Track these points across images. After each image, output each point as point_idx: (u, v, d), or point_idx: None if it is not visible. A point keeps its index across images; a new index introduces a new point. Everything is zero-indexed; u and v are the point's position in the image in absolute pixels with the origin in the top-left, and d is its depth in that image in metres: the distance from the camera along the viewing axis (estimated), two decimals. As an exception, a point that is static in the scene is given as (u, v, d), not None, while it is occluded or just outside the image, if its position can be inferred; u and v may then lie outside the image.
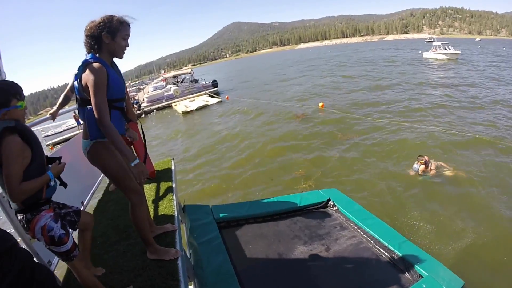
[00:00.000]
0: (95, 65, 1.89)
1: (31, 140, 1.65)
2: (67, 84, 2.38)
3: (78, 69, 1.96)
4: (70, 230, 1.89)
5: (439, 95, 15.77)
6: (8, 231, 1.83)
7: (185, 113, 22.07)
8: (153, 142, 15.51)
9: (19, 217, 1.68)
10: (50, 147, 20.07)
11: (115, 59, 2.16)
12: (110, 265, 2.30)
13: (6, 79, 1.74)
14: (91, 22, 1.96)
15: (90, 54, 1.98)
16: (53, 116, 2.75)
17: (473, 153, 8.27)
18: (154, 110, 26.37)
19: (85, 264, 1.98)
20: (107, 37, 1.96)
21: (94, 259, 2.37)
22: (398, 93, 17.23)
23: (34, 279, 1.34)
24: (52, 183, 1.73)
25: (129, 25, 2.07)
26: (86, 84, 1.88)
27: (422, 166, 7.48)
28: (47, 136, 21.02)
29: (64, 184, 1.92)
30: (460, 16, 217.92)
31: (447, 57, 33.07)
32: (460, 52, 33.50)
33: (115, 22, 1.97)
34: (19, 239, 1.90)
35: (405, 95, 16.59)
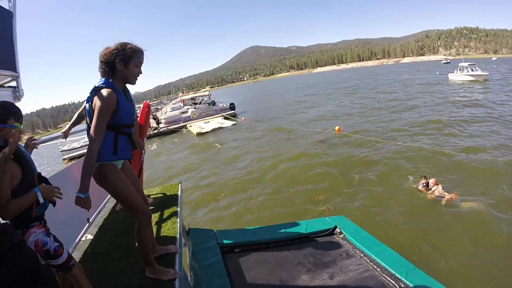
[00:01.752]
0: (106, 90, 1.96)
1: (22, 159, 1.72)
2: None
3: (90, 93, 2.04)
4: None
5: (473, 119, 15.16)
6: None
7: (200, 134, 22.37)
8: (162, 158, 15.76)
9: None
10: (66, 161, 20.55)
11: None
12: (109, 282, 2.33)
13: (9, 101, 1.83)
14: (106, 49, 2.04)
15: (103, 79, 2.06)
16: (65, 135, 2.85)
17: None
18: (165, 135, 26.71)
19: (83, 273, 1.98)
20: (120, 64, 2.02)
21: (94, 274, 2.40)
22: (423, 116, 16.87)
23: (39, 277, 1.35)
24: (41, 200, 1.73)
25: (142, 53, 2.13)
26: (94, 106, 1.95)
27: (421, 186, 7.78)
28: (64, 150, 21.61)
29: (53, 202, 1.90)
30: (475, 35, 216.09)
31: (474, 79, 31.54)
32: (488, 73, 31.97)
33: (128, 50, 2.04)
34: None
35: (432, 117, 16.17)
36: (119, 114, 2.03)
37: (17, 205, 1.62)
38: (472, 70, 32.58)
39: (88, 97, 2.05)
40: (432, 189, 7.55)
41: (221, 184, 10.86)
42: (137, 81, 2.18)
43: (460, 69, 34.38)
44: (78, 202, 1.91)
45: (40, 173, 1.90)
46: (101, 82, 2.03)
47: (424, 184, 7.75)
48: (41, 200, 1.72)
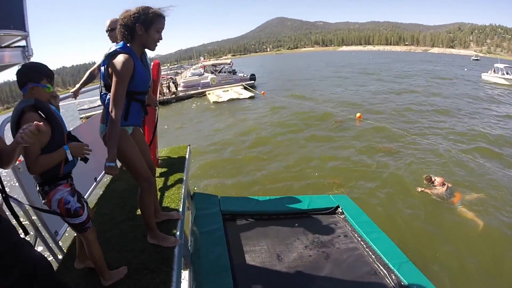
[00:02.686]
0: (124, 56, 1.91)
1: (51, 118, 1.73)
2: None
3: (107, 56, 1.99)
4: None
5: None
6: (18, 197, 1.97)
7: (216, 102, 22.33)
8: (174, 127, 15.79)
9: (37, 188, 1.79)
10: (83, 120, 20.92)
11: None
12: (112, 243, 2.41)
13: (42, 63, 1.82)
14: (126, 12, 1.99)
15: (121, 43, 2.01)
16: (75, 94, 2.87)
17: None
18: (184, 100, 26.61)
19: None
20: (140, 29, 1.97)
21: (98, 236, 2.46)
22: (449, 115, 15.71)
23: (36, 274, 1.38)
24: (70, 157, 1.77)
25: (164, 18, 2.06)
26: (111, 73, 1.92)
27: (425, 182, 7.72)
28: (82, 109, 21.85)
29: (85, 159, 1.96)
30: (510, 36, 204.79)
31: (509, 83, 28.21)
32: None
33: (150, 14, 1.97)
34: (27, 206, 2.02)
35: (456, 117, 15.26)
36: (134, 81, 2.00)
37: (45, 161, 1.67)
38: (508, 74, 29.57)
39: (104, 61, 2.02)
40: (437, 187, 7.43)
41: (236, 153, 11.00)
42: (157, 47, 2.12)
43: (495, 70, 31.47)
44: (109, 170, 1.95)
45: (70, 131, 1.94)
46: (119, 46, 1.99)
47: (433, 178, 7.65)
48: (70, 157, 1.76)
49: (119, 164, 2.06)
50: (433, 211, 6.76)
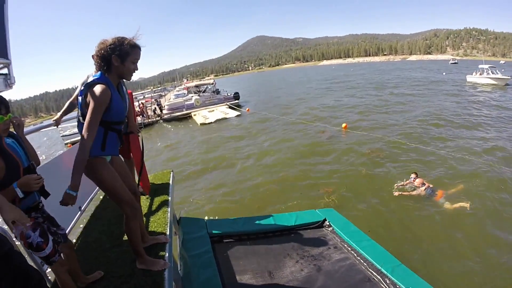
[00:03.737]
0: (101, 86, 1.93)
1: (4, 154, 1.70)
2: None
3: (85, 86, 2.00)
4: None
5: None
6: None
7: (203, 124, 22.21)
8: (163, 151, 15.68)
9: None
10: (68, 145, 20.66)
11: None
12: (100, 270, 2.37)
13: None
14: (102, 43, 2.01)
15: (99, 73, 2.03)
16: (57, 123, 2.88)
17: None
18: (168, 126, 26.16)
19: (68, 268, 2.04)
20: (116, 60, 2.00)
21: (85, 263, 2.46)
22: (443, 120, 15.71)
23: (29, 284, 1.37)
24: (20, 194, 1.71)
25: (139, 49, 2.10)
26: (89, 102, 1.93)
27: (406, 182, 8.00)
28: (65, 135, 21.58)
29: (44, 194, 1.91)
30: (484, 37, 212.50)
31: (495, 82, 29.10)
32: (510, 77, 29.11)
33: (125, 46, 2.01)
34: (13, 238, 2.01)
35: (450, 119, 15.43)
36: (111, 111, 2.02)
37: None
38: (493, 73, 30.17)
39: (82, 90, 2.03)
40: (418, 188, 7.61)
41: (229, 173, 10.92)
42: (133, 75, 2.17)
43: (480, 72, 31.92)
44: (65, 197, 1.87)
45: (30, 164, 1.89)
46: (96, 77, 2.01)
47: (412, 180, 7.86)
48: (20, 194, 1.71)
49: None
50: (419, 211, 6.94)
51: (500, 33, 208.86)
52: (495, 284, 4.77)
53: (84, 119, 2.00)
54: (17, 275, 1.35)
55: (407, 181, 8.01)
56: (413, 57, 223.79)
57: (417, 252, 5.56)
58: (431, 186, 7.60)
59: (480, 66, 32.22)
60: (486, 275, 4.96)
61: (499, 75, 29.47)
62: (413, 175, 7.97)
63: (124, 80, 2.22)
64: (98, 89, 1.92)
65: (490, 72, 30.40)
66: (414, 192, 7.52)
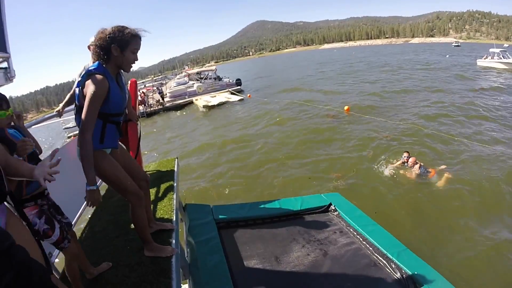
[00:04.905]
0: (98, 77, 1.88)
1: (8, 142, 1.70)
2: None
3: (81, 77, 1.95)
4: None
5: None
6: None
7: (206, 107, 22.19)
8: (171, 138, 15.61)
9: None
10: (72, 137, 20.74)
11: None
12: (107, 260, 2.37)
13: None
14: (102, 32, 1.94)
15: (96, 63, 1.97)
16: (60, 114, 2.86)
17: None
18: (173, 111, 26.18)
19: (77, 257, 2.06)
20: (116, 50, 1.93)
21: (93, 253, 2.46)
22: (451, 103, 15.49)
23: (31, 279, 1.39)
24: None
25: (140, 39, 2.03)
26: (86, 94, 1.87)
27: (400, 161, 8.07)
28: (68, 128, 21.56)
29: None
30: (488, 20, 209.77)
31: (507, 67, 27.52)
32: None
33: (126, 35, 1.93)
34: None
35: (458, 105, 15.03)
36: (109, 103, 1.95)
37: None
38: (504, 57, 28.61)
39: (79, 81, 1.97)
40: (412, 168, 7.70)
41: (237, 154, 10.98)
42: (133, 65, 2.10)
43: (491, 56, 30.44)
44: (89, 194, 1.88)
45: (34, 151, 1.88)
46: (94, 67, 1.94)
47: (404, 160, 7.92)
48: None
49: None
50: (416, 191, 7.06)
51: (504, 16, 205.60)
52: (496, 264, 4.83)
53: (81, 111, 1.94)
54: (20, 270, 1.33)
55: (400, 161, 8.08)
56: (416, 40, 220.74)
57: (419, 234, 5.60)
58: (422, 164, 7.68)
59: (491, 50, 31.11)
60: (487, 255, 5.01)
61: (511, 60, 27.92)
62: (405, 154, 8.03)
63: (123, 72, 2.15)
64: (95, 79, 1.87)
65: (501, 56, 29.12)
66: (408, 172, 7.64)
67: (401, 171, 7.79)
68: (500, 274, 4.69)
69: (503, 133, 10.48)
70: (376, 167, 8.50)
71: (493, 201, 6.49)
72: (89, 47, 3.11)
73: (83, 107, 1.90)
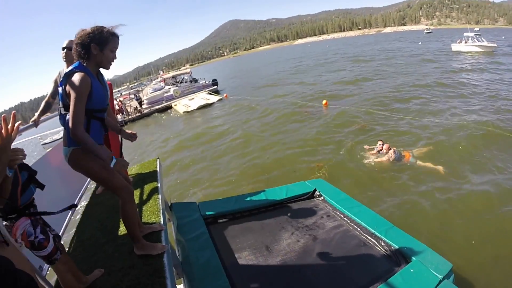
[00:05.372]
0: (80, 74, 1.93)
1: None
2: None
3: (64, 76, 2.00)
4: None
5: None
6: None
7: (186, 112, 21.96)
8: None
9: (3, 223, 1.70)
10: None
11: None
12: (99, 267, 2.34)
13: None
14: (82, 31, 2.01)
15: (77, 63, 2.03)
16: (36, 123, 2.82)
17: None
18: (155, 113, 25.92)
19: (69, 268, 2.03)
20: (95, 48, 2.01)
21: (84, 262, 2.43)
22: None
23: (17, 286, 1.38)
24: (9, 174, 1.61)
25: (118, 38, 2.11)
26: (69, 92, 1.92)
27: (375, 149, 8.28)
28: (46, 143, 21.00)
29: (40, 186, 1.95)
30: (457, 6, 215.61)
31: (481, 50, 28.24)
32: (496, 45, 28.47)
33: (104, 34, 2.02)
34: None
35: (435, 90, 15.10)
36: (92, 99, 2.01)
37: None
38: (478, 41, 29.40)
39: (61, 81, 2.02)
40: (386, 155, 7.89)
41: (220, 156, 10.95)
42: (111, 66, 2.16)
43: (465, 40, 31.04)
44: (118, 164, 2.05)
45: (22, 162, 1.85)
46: (75, 66, 2.01)
47: (379, 148, 8.13)
48: (8, 172, 1.61)
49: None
50: (394, 175, 7.26)
51: (473, 1, 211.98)
52: (476, 233, 5.01)
53: (66, 110, 2.02)
54: (4, 279, 1.32)
55: (375, 149, 8.27)
56: (388, 29, 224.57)
57: (405, 215, 5.73)
58: (395, 149, 7.88)
59: (465, 34, 31.53)
60: (467, 226, 5.22)
61: (485, 43, 28.80)
62: (379, 142, 8.22)
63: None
64: (77, 77, 1.92)
65: (475, 39, 29.67)
66: (385, 158, 7.82)
67: (378, 159, 7.97)
68: (472, 225, 5.08)
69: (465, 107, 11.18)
70: (356, 156, 8.66)
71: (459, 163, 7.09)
72: (63, 49, 3.09)
73: (67, 105, 1.96)
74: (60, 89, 2.03)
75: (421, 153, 7.92)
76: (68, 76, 1.96)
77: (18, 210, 1.76)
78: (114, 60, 2.15)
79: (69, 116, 1.92)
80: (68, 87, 1.93)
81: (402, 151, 8.00)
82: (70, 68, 2.00)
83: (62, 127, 2.16)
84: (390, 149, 7.85)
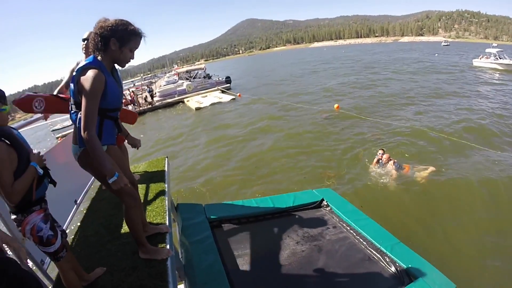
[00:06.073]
0: (94, 71, 1.80)
1: (15, 143, 1.68)
2: None
3: (76, 71, 1.87)
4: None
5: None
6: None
7: (198, 109, 22.01)
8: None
9: (12, 217, 1.73)
10: (59, 139, 20.44)
11: None
12: (101, 265, 2.32)
13: None
14: (104, 21, 1.87)
15: (91, 57, 1.90)
16: (45, 116, 2.80)
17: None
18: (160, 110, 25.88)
19: (73, 267, 2.01)
20: (114, 44, 1.88)
21: (86, 259, 2.41)
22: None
23: None
24: (40, 171, 1.74)
25: (141, 38, 1.99)
26: (82, 90, 1.80)
27: (376, 158, 8.17)
28: (56, 129, 21.25)
29: (53, 182, 1.92)
30: (477, 20, 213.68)
31: (502, 68, 26.95)
32: None
33: (128, 31, 1.89)
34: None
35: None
36: (106, 98, 1.89)
37: (21, 185, 1.63)
38: (501, 58, 27.92)
39: (73, 77, 1.88)
40: (386, 165, 7.84)
41: (233, 156, 10.92)
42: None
43: (487, 55, 29.69)
44: (114, 185, 1.87)
45: (31, 149, 1.86)
46: (88, 61, 1.88)
47: (379, 158, 8.05)
48: (40, 171, 1.73)
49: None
50: (397, 187, 7.23)
51: (493, 16, 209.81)
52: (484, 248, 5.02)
53: (77, 108, 1.90)
54: (12, 281, 1.31)
55: (375, 159, 8.20)
56: (405, 39, 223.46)
57: (408, 228, 5.71)
58: (395, 160, 7.84)
59: (487, 50, 30.34)
60: (474, 240, 5.23)
61: (508, 60, 27.34)
62: (380, 151, 8.17)
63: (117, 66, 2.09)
64: (91, 74, 1.79)
65: (498, 56, 28.48)
66: (386, 169, 7.79)
67: (378, 169, 7.93)
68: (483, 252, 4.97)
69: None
70: (361, 166, 8.63)
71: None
72: (83, 40, 3.05)
73: (78, 103, 1.85)
74: (72, 85, 1.90)
75: (422, 168, 7.82)
76: (81, 72, 1.84)
77: (32, 204, 1.76)
78: (131, 59, 2.02)
79: (80, 115, 1.82)
80: (81, 85, 1.81)
81: (402, 164, 7.93)
82: (84, 63, 1.89)
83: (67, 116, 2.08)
84: (390, 159, 7.82)
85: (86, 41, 3.02)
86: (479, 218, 5.84)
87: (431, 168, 7.47)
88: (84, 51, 3.07)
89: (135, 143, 2.64)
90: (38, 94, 2.67)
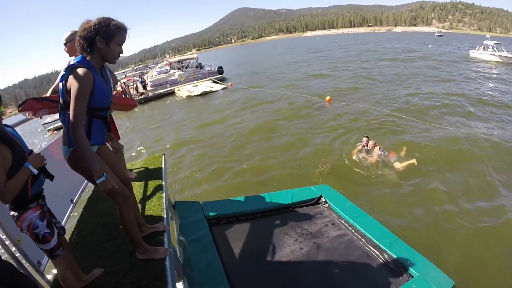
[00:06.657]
0: (82, 70, 1.80)
1: (9, 141, 1.64)
2: None
3: (65, 71, 1.87)
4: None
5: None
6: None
7: (189, 97, 21.95)
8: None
9: (11, 213, 1.72)
10: (51, 132, 20.23)
11: None
12: (99, 266, 2.29)
13: None
14: (86, 23, 1.87)
15: (80, 56, 1.90)
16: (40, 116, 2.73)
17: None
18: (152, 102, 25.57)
19: (70, 265, 1.98)
20: (100, 42, 1.87)
21: (83, 259, 2.37)
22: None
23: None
24: (35, 171, 1.70)
25: (126, 31, 1.98)
26: (70, 89, 1.80)
27: (360, 145, 8.19)
28: (46, 123, 21.14)
29: (50, 176, 1.89)
30: (471, 11, 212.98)
31: (500, 60, 26.91)
32: None
33: (112, 27, 1.88)
34: (7, 242, 1.94)
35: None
36: (94, 97, 1.88)
37: (13, 184, 1.61)
38: (498, 50, 27.72)
39: (62, 76, 1.88)
40: (372, 152, 7.86)
41: (224, 145, 10.84)
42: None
43: (483, 47, 29.45)
44: (102, 186, 1.87)
45: (31, 150, 1.85)
46: (77, 60, 1.87)
47: (364, 144, 8.06)
48: (34, 171, 1.70)
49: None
50: (382, 174, 7.23)
51: (487, 8, 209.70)
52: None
53: (66, 107, 1.88)
54: (8, 284, 1.29)
55: (360, 145, 8.22)
56: (398, 29, 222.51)
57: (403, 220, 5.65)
58: (381, 147, 7.88)
59: (485, 41, 30.17)
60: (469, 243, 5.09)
61: (506, 53, 27.18)
62: (365, 139, 8.16)
63: (107, 63, 2.08)
64: (79, 73, 1.79)
65: (495, 48, 28.36)
66: (371, 155, 7.82)
67: (363, 155, 7.96)
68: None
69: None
70: (346, 152, 8.64)
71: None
72: (65, 44, 2.95)
73: (67, 103, 1.84)
74: (60, 85, 1.90)
75: (405, 153, 7.92)
76: (69, 71, 1.83)
77: (28, 201, 1.74)
78: (121, 54, 2.01)
79: (69, 115, 1.81)
80: (69, 84, 1.81)
81: (388, 150, 7.98)
82: (72, 62, 1.88)
83: None
84: (376, 145, 7.85)
85: (66, 44, 2.92)
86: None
87: (412, 161, 7.47)
88: (69, 55, 2.97)
89: (119, 148, 2.65)
90: (42, 102, 2.59)
